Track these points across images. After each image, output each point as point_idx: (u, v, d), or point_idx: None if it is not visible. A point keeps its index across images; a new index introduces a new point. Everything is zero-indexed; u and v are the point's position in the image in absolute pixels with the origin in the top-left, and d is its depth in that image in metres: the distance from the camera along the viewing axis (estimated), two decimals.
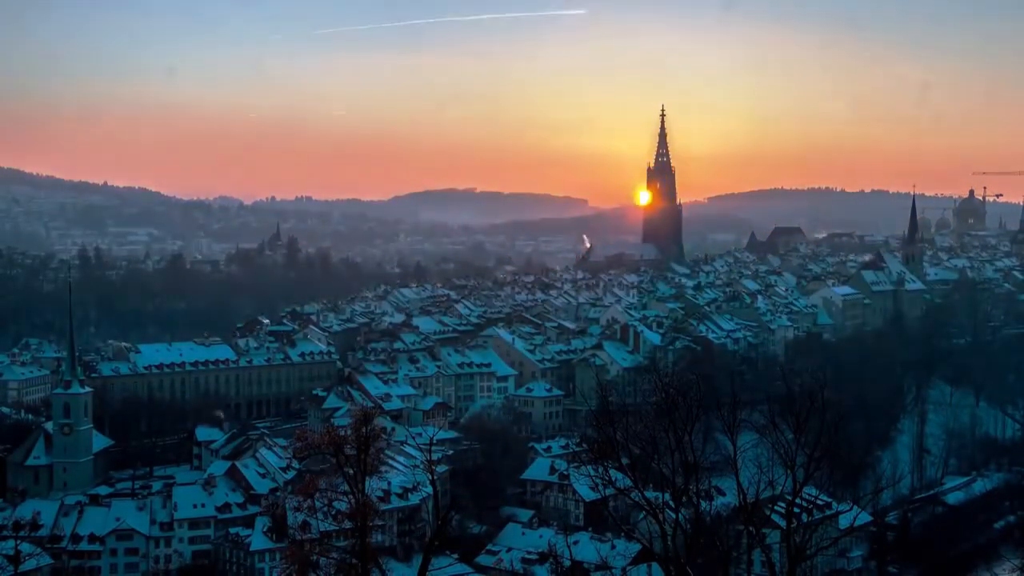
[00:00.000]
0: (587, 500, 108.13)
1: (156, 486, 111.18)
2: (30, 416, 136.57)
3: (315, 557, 47.23)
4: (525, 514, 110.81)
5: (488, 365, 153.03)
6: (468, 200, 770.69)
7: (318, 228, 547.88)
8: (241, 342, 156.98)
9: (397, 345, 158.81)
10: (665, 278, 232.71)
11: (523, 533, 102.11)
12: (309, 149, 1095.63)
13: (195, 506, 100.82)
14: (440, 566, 76.14)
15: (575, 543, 79.03)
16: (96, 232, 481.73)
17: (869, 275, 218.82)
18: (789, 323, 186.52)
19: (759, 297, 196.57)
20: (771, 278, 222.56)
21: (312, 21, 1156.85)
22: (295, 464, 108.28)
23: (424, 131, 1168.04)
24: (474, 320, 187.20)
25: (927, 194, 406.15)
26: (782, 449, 38.38)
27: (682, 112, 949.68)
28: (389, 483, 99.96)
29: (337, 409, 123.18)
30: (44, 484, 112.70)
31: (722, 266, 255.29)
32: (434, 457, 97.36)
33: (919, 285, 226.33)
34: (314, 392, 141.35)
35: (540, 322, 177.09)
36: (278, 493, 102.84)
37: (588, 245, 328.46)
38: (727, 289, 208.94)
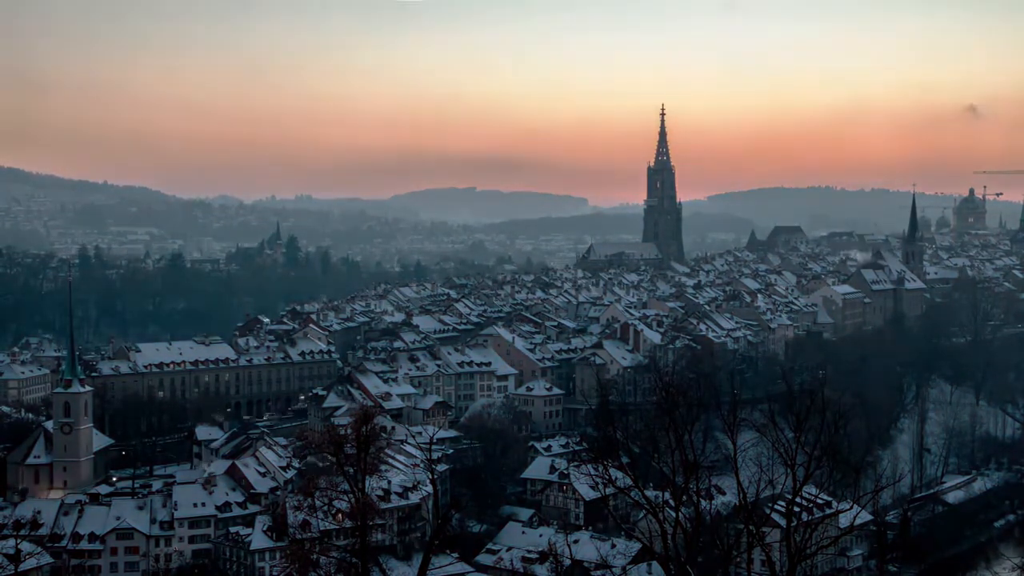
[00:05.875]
0: (587, 499, 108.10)
1: (156, 485, 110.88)
2: (30, 415, 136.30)
3: (315, 556, 47.31)
4: (525, 513, 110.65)
5: (488, 364, 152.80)
6: (468, 199, 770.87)
7: (318, 227, 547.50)
8: (241, 341, 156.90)
9: (397, 344, 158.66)
10: (665, 277, 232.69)
11: (523, 532, 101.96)
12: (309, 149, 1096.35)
13: (195, 505, 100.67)
14: (440, 565, 76.33)
15: (575, 542, 78.98)
16: (96, 231, 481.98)
17: (869, 274, 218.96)
18: (789, 322, 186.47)
19: (759, 296, 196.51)
20: (771, 277, 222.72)
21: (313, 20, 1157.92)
22: (295, 463, 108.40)
23: (424, 130, 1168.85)
24: (474, 319, 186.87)
25: (927, 193, 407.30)
26: (782, 448, 38.39)
27: (682, 110, 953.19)
28: (389, 482, 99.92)
29: (337, 408, 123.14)
30: (44, 483, 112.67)
31: (722, 265, 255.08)
32: (434, 456, 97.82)
33: (919, 284, 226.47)
34: (314, 391, 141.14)
35: (540, 321, 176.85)
36: (278, 492, 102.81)
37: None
38: (727, 288, 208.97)
